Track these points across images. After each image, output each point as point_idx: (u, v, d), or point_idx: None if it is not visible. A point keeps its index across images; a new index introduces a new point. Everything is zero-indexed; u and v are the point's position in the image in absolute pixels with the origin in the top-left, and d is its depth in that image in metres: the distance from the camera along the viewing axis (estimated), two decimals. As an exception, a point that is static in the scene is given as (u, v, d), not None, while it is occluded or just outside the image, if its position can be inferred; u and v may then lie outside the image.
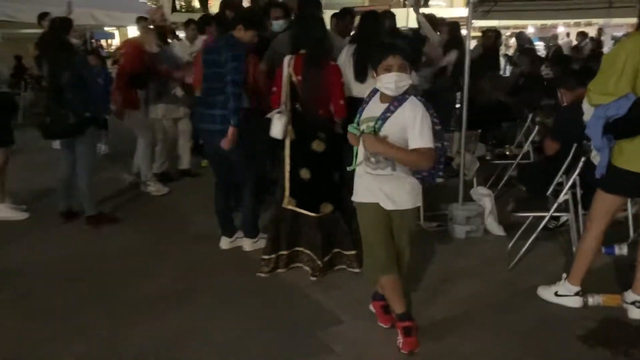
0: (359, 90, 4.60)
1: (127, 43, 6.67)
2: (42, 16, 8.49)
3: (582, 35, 14.41)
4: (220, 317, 3.83)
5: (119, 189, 6.81)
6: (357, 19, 5.74)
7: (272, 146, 4.75)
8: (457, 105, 8.33)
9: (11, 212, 5.86)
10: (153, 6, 27.19)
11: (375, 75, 3.12)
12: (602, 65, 3.39)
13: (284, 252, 4.40)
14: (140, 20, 6.84)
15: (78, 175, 5.46)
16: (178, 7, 31.65)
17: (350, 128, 3.24)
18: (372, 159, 3.13)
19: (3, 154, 5.76)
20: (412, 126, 3.03)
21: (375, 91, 3.24)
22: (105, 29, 20.24)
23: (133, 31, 13.14)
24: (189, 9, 34.04)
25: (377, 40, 4.59)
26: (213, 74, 4.41)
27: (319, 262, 4.28)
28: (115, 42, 25.58)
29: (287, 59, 4.26)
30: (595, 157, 3.65)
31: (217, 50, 4.41)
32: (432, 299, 4.01)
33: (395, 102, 3.09)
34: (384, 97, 3.15)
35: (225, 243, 4.92)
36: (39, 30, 14.17)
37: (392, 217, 3.25)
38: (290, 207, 4.34)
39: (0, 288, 4.32)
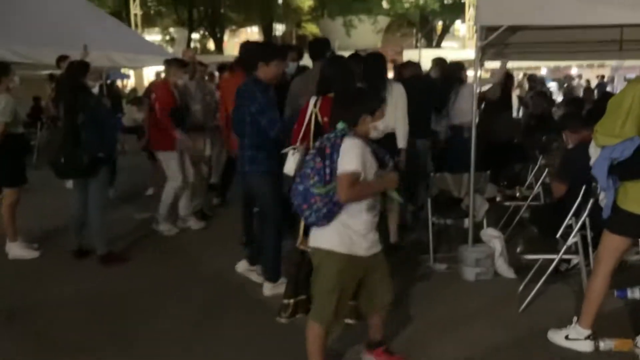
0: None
1: (155, 85, 6.78)
2: (61, 59, 8.70)
3: (601, 78, 14.63)
4: (241, 347, 3.87)
5: (129, 228, 6.87)
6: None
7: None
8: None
9: (23, 250, 5.92)
10: (169, 49, 27.89)
11: (370, 119, 3.19)
12: (608, 108, 3.44)
13: (303, 297, 4.27)
14: (172, 62, 6.98)
15: (90, 214, 5.53)
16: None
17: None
18: (376, 205, 3.22)
19: (15, 194, 5.86)
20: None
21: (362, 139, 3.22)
22: (122, 70, 20.63)
23: (148, 72, 13.53)
24: (204, 51, 34.80)
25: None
26: (242, 121, 4.63)
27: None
28: (131, 82, 26.07)
29: (313, 100, 4.30)
30: (603, 199, 3.65)
31: (242, 94, 4.63)
32: (442, 339, 3.99)
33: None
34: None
35: (242, 266, 5.11)
36: (57, 72, 14.56)
37: (371, 260, 3.27)
38: (302, 247, 4.28)
39: (14, 326, 4.36)
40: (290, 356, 3.73)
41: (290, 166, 4.20)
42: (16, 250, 5.89)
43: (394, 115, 5.23)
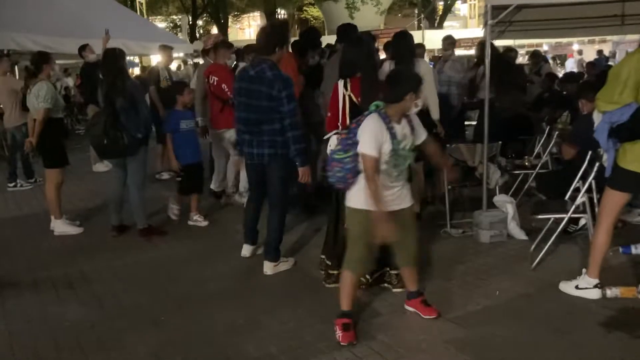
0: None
1: (215, 67, 6.94)
2: (83, 47, 9.13)
3: (599, 53, 14.94)
4: (278, 310, 4.27)
5: (160, 205, 7.28)
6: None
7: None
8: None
9: (68, 227, 6.38)
10: (178, 34, 28.11)
11: (413, 97, 3.58)
12: (609, 77, 3.86)
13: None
14: (222, 45, 7.32)
15: (131, 191, 5.94)
16: (198, 35, 32.67)
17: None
18: (395, 173, 3.60)
19: (60, 174, 6.29)
20: (418, 123, 3.79)
21: (385, 118, 3.58)
22: (129, 57, 20.85)
23: (156, 58, 13.86)
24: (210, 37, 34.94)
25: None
26: (260, 107, 4.59)
27: (369, 279, 4.44)
28: (137, 70, 26.26)
29: (341, 83, 4.43)
30: (605, 160, 4.07)
31: (262, 81, 4.56)
32: (465, 292, 4.43)
33: (406, 116, 3.69)
34: (399, 117, 3.64)
35: (248, 250, 5.21)
36: (76, 61, 14.95)
37: (398, 218, 3.66)
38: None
39: (77, 291, 4.81)
40: (323, 305, 4.24)
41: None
42: (62, 226, 6.33)
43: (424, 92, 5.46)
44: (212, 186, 7.35)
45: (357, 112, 4.09)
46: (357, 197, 3.68)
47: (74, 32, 10.64)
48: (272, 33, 4.75)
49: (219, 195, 7.37)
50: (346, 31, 5.93)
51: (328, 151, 4.36)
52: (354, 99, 4.36)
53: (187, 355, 3.70)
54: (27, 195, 8.37)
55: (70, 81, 16.93)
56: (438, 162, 4.27)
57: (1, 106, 9.39)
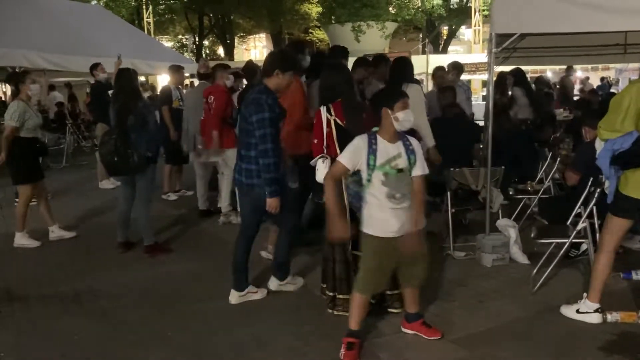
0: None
1: (214, 89, 7.23)
2: (95, 66, 9.31)
3: (602, 80, 15.12)
4: (283, 329, 4.34)
5: (169, 223, 7.43)
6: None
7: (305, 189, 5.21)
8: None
9: (27, 240, 6.58)
10: (186, 55, 28.42)
11: (391, 113, 3.64)
12: (610, 106, 3.98)
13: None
14: (219, 67, 7.54)
15: (139, 207, 6.04)
16: (204, 55, 33.01)
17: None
18: (398, 195, 3.66)
19: (29, 190, 6.54)
20: (420, 156, 3.75)
21: (372, 137, 3.68)
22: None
23: (162, 78, 14.09)
24: (214, 57, 35.34)
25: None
26: (244, 129, 4.48)
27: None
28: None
29: (323, 110, 4.48)
30: (607, 187, 4.16)
31: (246, 103, 4.50)
32: (467, 314, 4.49)
33: (404, 137, 3.74)
34: (390, 137, 3.69)
35: (234, 297, 4.81)
36: (82, 79, 15.15)
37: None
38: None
39: (83, 305, 4.89)
40: (328, 323, 4.32)
41: (322, 174, 4.28)
42: (20, 239, 6.57)
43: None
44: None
45: (346, 134, 4.14)
46: (367, 222, 3.78)
47: (83, 51, 10.86)
48: (273, 55, 4.79)
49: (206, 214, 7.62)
50: (331, 55, 5.98)
51: (318, 177, 4.40)
52: (340, 123, 4.41)
53: (194, 371, 3.77)
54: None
55: (58, 95, 17.04)
56: (415, 204, 3.79)
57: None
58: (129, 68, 6.27)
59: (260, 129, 4.29)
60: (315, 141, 4.52)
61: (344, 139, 4.06)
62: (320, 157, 4.46)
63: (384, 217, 3.70)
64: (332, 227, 3.70)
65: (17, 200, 8.41)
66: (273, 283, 5.03)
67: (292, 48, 6.61)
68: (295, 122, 5.20)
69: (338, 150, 4.28)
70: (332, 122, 4.43)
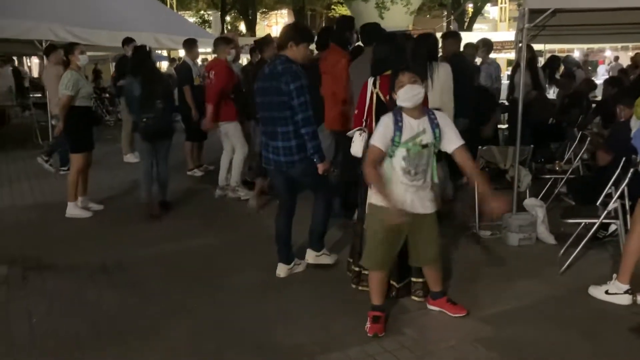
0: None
1: (215, 63, 7.37)
2: (128, 40, 9.35)
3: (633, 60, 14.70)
4: (308, 303, 4.36)
5: (197, 199, 7.55)
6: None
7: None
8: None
9: (79, 210, 6.74)
10: (208, 30, 28.36)
11: (395, 95, 3.62)
12: (649, 84, 3.85)
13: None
14: (221, 41, 7.53)
15: (161, 168, 6.59)
16: (225, 31, 32.89)
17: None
18: (413, 172, 3.62)
19: (81, 159, 6.64)
20: (450, 128, 3.67)
21: (397, 114, 3.63)
22: (158, 51, 21.06)
23: (183, 52, 14.09)
24: (237, 33, 35.24)
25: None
26: (271, 103, 4.50)
27: (396, 285, 4.39)
28: (164, 64, 26.54)
29: (370, 80, 4.40)
30: (642, 167, 4.08)
31: (273, 76, 4.46)
32: (493, 293, 4.46)
33: (429, 111, 3.69)
34: (414, 113, 3.62)
35: (283, 271, 4.86)
36: (105, 53, 15.22)
37: (416, 221, 3.70)
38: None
39: (112, 277, 4.96)
40: (354, 299, 4.29)
41: (357, 147, 4.29)
42: (72, 209, 6.69)
43: (440, 98, 5.34)
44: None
45: (384, 109, 4.03)
46: (375, 194, 3.75)
47: (108, 25, 10.91)
48: (287, 28, 4.80)
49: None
50: (372, 31, 5.79)
51: (353, 149, 4.35)
52: (382, 97, 4.32)
53: (220, 343, 3.80)
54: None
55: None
56: (470, 176, 3.93)
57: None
58: (144, 45, 6.60)
59: (300, 96, 4.35)
60: (356, 112, 4.50)
61: (382, 114, 3.93)
62: (357, 130, 4.38)
63: (396, 190, 3.66)
64: (387, 215, 3.55)
65: (62, 168, 8.72)
66: (310, 255, 5.02)
67: (341, 24, 6.54)
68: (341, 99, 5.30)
69: (374, 124, 4.16)
70: (375, 95, 4.36)
